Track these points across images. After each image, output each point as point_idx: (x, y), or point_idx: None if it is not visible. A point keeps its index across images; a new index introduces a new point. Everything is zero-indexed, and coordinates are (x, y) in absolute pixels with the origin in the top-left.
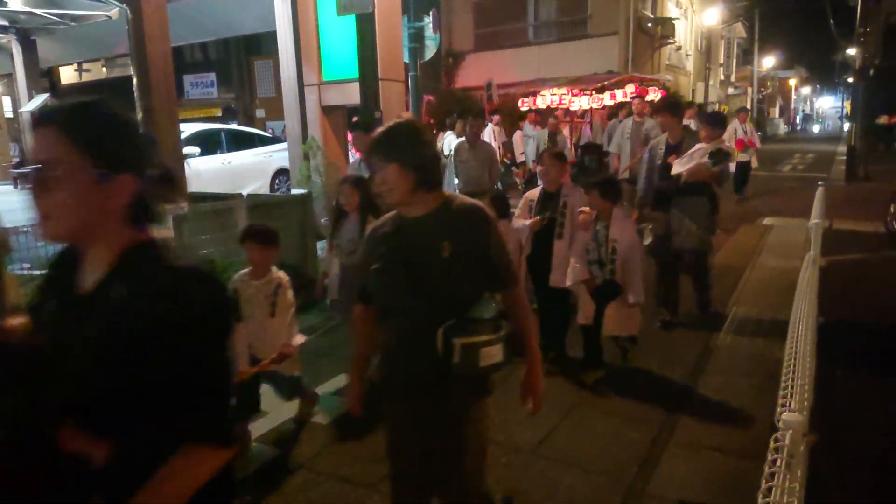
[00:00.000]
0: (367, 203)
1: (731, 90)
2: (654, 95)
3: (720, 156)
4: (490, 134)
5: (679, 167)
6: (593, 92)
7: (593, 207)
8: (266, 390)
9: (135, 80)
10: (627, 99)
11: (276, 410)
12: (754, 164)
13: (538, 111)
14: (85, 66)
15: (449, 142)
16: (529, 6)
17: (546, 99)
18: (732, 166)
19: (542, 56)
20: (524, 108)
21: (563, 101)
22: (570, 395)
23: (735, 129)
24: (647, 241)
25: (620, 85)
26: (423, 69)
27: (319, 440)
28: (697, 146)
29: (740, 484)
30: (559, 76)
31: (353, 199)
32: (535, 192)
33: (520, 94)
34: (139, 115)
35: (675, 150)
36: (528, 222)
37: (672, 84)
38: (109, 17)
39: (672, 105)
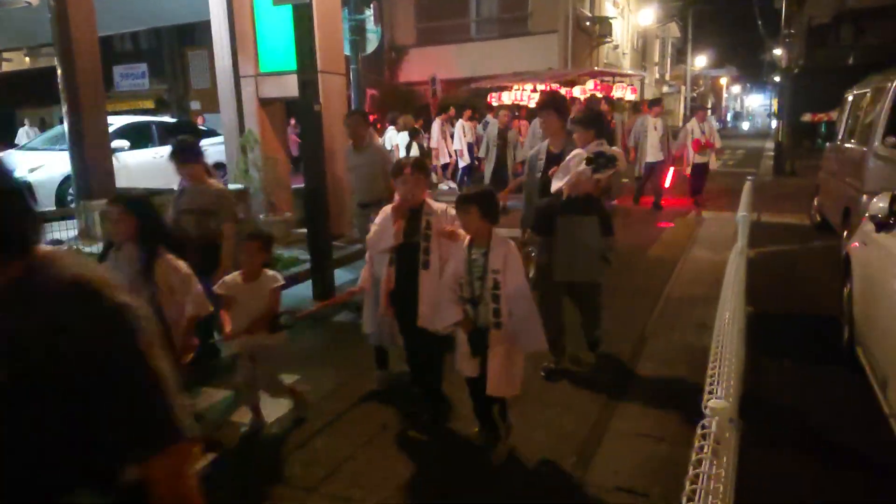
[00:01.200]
0: (150, 230)
1: (665, 88)
2: (622, 93)
3: (601, 161)
4: (459, 131)
5: (557, 182)
6: (560, 87)
7: (467, 229)
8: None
9: (59, 71)
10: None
11: (210, 413)
12: (713, 165)
13: (502, 107)
14: (5, 55)
15: (390, 137)
16: (471, 2)
17: (512, 94)
18: (688, 169)
19: (484, 52)
20: (493, 103)
21: (530, 98)
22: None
23: (692, 129)
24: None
25: (580, 81)
26: (366, 63)
27: (258, 442)
28: (573, 153)
29: (675, 470)
30: (499, 73)
31: (124, 226)
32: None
33: (493, 89)
34: (63, 108)
35: (558, 160)
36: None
37: (639, 81)
38: (29, 4)
39: (555, 102)
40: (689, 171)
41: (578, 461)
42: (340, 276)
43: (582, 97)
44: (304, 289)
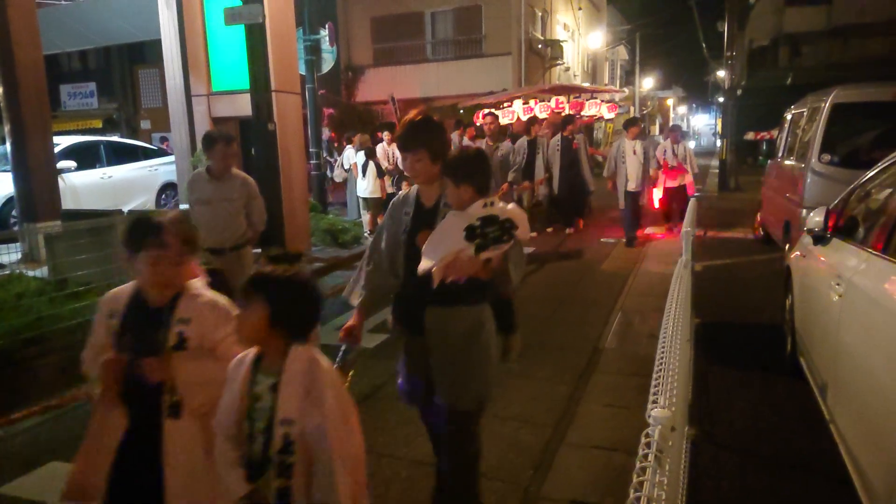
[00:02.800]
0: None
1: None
2: (594, 110)
3: (489, 233)
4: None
5: (426, 260)
6: (537, 101)
7: (243, 337)
8: None
9: (1, 90)
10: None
11: None
12: (692, 188)
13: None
14: None
15: (348, 156)
16: (427, 24)
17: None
18: (658, 192)
19: (440, 73)
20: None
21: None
22: None
23: (664, 151)
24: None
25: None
26: (323, 83)
27: None
28: (448, 216)
29: (627, 479)
30: (455, 93)
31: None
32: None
33: (485, 106)
34: (6, 128)
35: (430, 219)
36: None
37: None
38: None
39: (427, 133)
40: (656, 197)
41: (535, 474)
42: None
43: (543, 114)
44: None
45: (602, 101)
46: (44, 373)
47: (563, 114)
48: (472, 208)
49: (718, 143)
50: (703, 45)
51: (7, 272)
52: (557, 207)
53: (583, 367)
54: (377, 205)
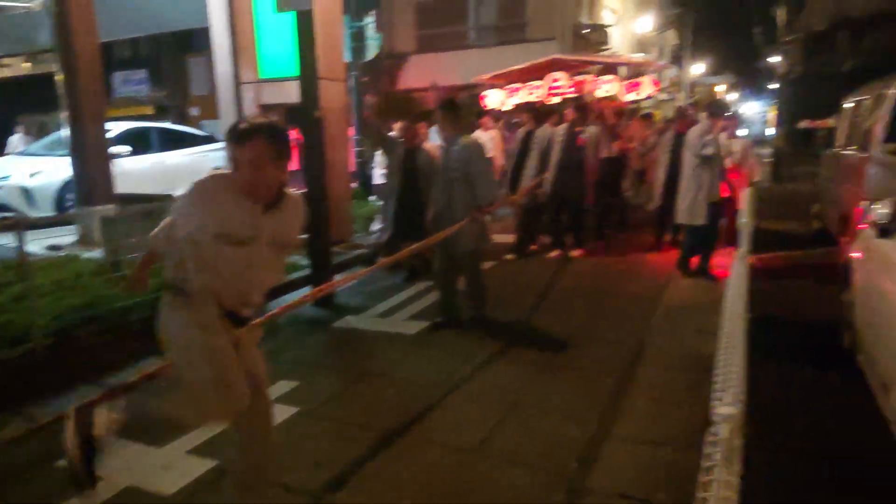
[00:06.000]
0: None
1: (663, 96)
2: (609, 88)
3: None
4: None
5: None
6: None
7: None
8: None
9: (61, 78)
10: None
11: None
12: (740, 200)
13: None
14: (5, 60)
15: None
16: (470, 9)
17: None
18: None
19: (482, 59)
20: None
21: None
22: (511, 395)
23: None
24: None
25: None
26: (365, 70)
27: None
28: None
29: (677, 476)
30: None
31: None
32: None
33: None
34: (65, 114)
35: None
36: None
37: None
38: (29, 9)
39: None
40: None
41: (579, 467)
42: None
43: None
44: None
45: (634, 77)
46: (101, 351)
47: (563, 97)
48: None
49: (769, 131)
50: (757, 30)
51: (64, 253)
52: (543, 220)
53: (627, 361)
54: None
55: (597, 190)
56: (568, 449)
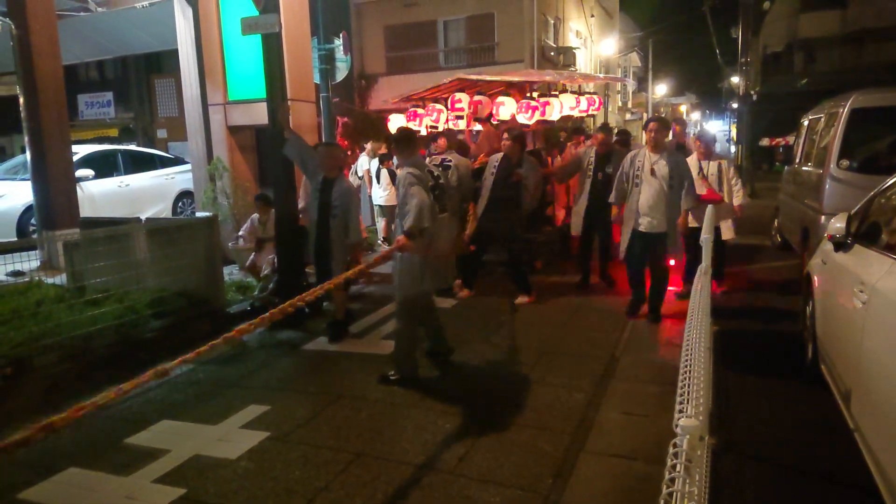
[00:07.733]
0: None
1: (628, 116)
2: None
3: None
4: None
5: None
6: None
7: None
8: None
9: (22, 100)
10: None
11: (177, 448)
12: (727, 233)
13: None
14: None
15: (362, 164)
16: (439, 32)
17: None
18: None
19: None
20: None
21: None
22: (483, 410)
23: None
24: None
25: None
26: (336, 91)
27: (228, 476)
28: None
29: (649, 489)
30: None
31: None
32: None
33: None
34: (26, 138)
35: None
36: None
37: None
38: None
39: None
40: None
41: (555, 482)
42: None
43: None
44: None
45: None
46: (62, 380)
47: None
48: None
49: (733, 149)
50: (717, 52)
51: (27, 279)
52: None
53: (599, 375)
54: (392, 212)
55: (528, 222)
56: (543, 464)
